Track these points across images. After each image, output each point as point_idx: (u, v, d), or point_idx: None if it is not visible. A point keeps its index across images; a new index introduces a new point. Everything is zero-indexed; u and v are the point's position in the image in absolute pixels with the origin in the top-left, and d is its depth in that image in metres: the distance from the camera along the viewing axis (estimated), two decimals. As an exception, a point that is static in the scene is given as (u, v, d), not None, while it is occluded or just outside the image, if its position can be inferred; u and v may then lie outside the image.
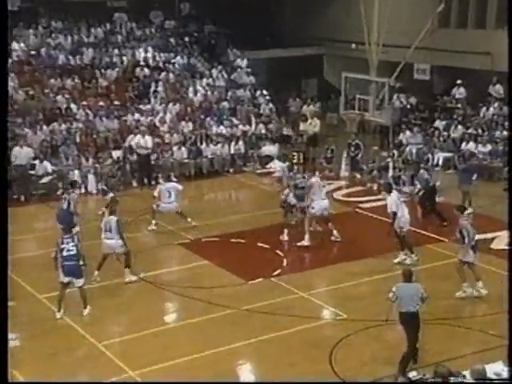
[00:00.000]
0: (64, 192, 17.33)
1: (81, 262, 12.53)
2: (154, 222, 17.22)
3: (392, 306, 10.74)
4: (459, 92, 25.89)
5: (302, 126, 25.15)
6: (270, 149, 23.86)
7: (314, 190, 15.92)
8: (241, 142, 23.73)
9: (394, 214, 14.59)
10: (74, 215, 15.39)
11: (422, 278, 11.58)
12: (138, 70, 26.48)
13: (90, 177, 20.84)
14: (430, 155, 22.86)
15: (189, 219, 17.19)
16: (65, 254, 12.50)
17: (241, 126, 24.77)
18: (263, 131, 25.10)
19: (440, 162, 22.62)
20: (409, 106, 27.25)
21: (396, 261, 14.76)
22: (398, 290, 10.63)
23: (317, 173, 17.08)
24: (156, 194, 17.23)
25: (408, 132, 24.05)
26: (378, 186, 20.34)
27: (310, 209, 15.84)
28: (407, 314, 10.55)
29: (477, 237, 14.35)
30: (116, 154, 22.15)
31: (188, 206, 19.23)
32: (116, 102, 24.48)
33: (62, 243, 12.58)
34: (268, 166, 22.99)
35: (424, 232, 16.66)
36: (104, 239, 14.03)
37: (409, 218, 14.87)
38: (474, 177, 19.18)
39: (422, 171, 18.47)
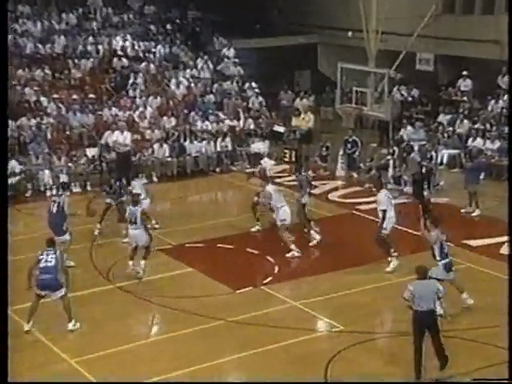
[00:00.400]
0: (54, 194, 17.37)
1: (59, 276, 12.43)
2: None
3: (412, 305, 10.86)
4: (465, 84, 26.01)
5: (294, 122, 25.18)
6: (259, 146, 23.87)
7: (276, 198, 15.98)
8: (228, 139, 23.75)
9: (384, 212, 14.77)
10: (68, 218, 15.30)
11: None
12: (115, 60, 26.46)
13: (63, 177, 20.77)
14: (433, 152, 22.83)
15: (153, 221, 17.22)
16: (42, 265, 12.43)
17: (228, 122, 24.79)
18: (252, 127, 25.15)
19: (444, 160, 22.70)
20: (410, 99, 27.36)
21: (389, 269, 14.84)
22: (414, 287, 10.84)
23: (271, 180, 17.06)
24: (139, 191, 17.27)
25: (409, 127, 24.10)
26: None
27: (281, 221, 15.82)
28: (426, 313, 10.75)
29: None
30: (91, 152, 22.13)
31: (170, 209, 19.22)
32: (91, 95, 24.47)
33: (41, 254, 12.55)
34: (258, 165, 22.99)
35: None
36: (129, 229, 14.81)
37: (394, 220, 15.00)
38: (482, 176, 19.27)
39: (413, 154, 18.45)
